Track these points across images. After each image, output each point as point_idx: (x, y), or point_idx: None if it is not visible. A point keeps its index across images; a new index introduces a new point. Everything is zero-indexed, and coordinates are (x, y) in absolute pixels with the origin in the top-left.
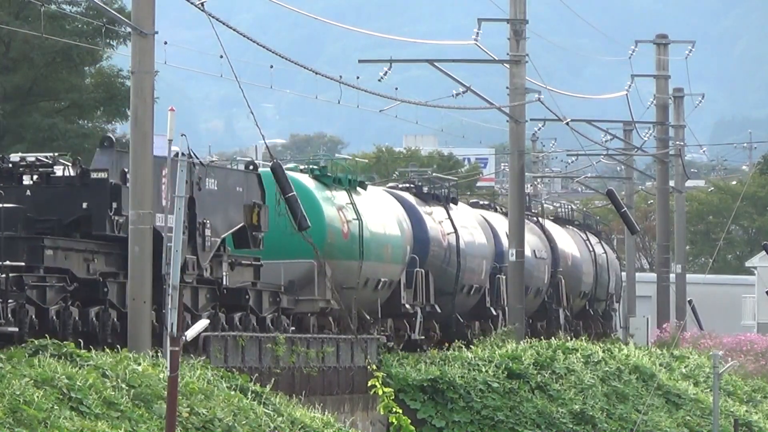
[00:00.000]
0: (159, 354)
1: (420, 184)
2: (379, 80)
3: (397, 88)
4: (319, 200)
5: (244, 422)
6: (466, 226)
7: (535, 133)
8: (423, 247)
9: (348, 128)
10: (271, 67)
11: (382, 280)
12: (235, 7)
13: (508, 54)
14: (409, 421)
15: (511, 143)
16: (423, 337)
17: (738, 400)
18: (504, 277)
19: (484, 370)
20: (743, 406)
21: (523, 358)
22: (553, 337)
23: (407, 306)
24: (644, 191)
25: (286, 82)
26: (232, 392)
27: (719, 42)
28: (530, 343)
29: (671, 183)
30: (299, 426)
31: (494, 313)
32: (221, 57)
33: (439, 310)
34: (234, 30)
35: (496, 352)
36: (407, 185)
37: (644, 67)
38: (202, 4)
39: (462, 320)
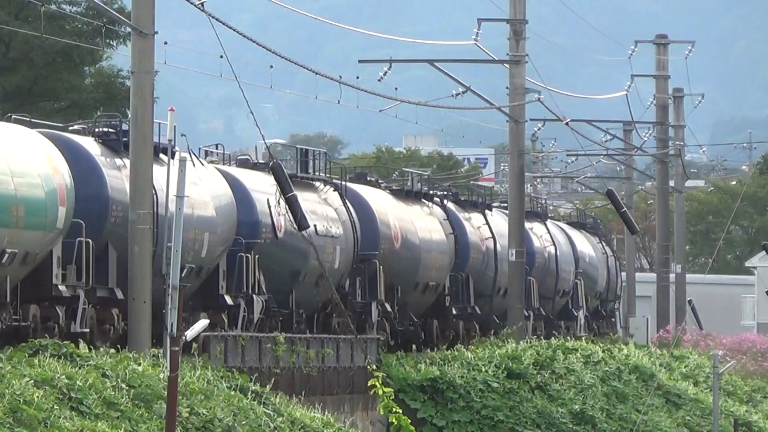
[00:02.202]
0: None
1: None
2: (379, 80)
3: (397, 88)
4: None
5: (244, 422)
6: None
7: (535, 133)
8: (98, 210)
9: (348, 128)
10: (271, 67)
11: (9, 251)
12: (235, 7)
13: (508, 54)
14: (409, 421)
15: (511, 143)
16: (87, 330)
17: (738, 400)
18: (254, 256)
19: (484, 370)
20: (743, 406)
21: (523, 358)
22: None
23: (61, 288)
24: (644, 191)
25: (286, 82)
26: (232, 392)
27: (719, 42)
28: (530, 343)
29: (671, 183)
30: (299, 426)
31: (230, 302)
32: (221, 57)
33: (120, 296)
34: (234, 30)
35: (496, 352)
36: (103, 130)
37: (644, 67)
38: (202, 4)
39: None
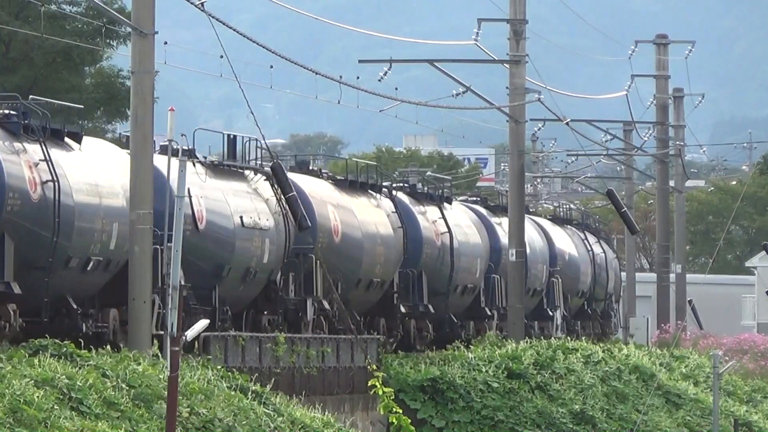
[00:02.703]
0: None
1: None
2: (379, 80)
3: (397, 88)
4: None
5: (244, 422)
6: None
7: (535, 133)
8: None
9: (348, 128)
10: (271, 67)
11: None
12: (235, 7)
13: (508, 54)
14: (409, 421)
15: (511, 143)
16: None
17: (738, 400)
18: None
19: (484, 370)
20: (743, 406)
21: (523, 358)
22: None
23: None
24: (644, 191)
25: (286, 82)
26: (232, 392)
27: (719, 42)
28: (530, 343)
29: (671, 183)
30: (299, 426)
31: None
32: (221, 57)
33: (17, 290)
34: (234, 30)
35: (496, 352)
36: (3, 112)
37: (644, 67)
38: (202, 4)
39: None
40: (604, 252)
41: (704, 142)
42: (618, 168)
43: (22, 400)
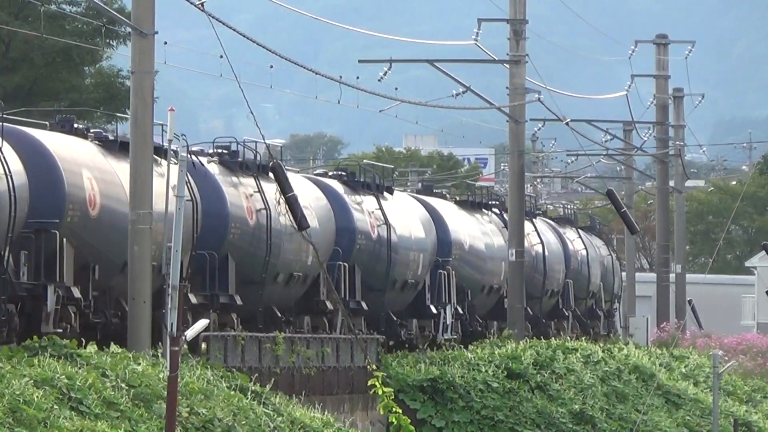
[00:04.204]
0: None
1: None
2: (379, 80)
3: (397, 88)
4: None
5: (243, 422)
6: None
7: (535, 133)
8: None
9: (348, 128)
10: (271, 67)
11: None
12: (235, 7)
13: (508, 54)
14: (409, 421)
15: (511, 143)
16: None
17: (738, 400)
18: None
19: (483, 370)
20: (743, 406)
21: (523, 358)
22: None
23: None
24: (644, 191)
25: (286, 82)
26: (232, 392)
27: (719, 42)
28: (530, 343)
29: (671, 183)
30: (299, 426)
31: None
32: (221, 57)
33: None
34: (234, 30)
35: (496, 352)
36: None
37: (644, 67)
38: (202, 4)
39: None
40: (542, 242)
41: (704, 142)
42: (618, 168)
43: (21, 400)
